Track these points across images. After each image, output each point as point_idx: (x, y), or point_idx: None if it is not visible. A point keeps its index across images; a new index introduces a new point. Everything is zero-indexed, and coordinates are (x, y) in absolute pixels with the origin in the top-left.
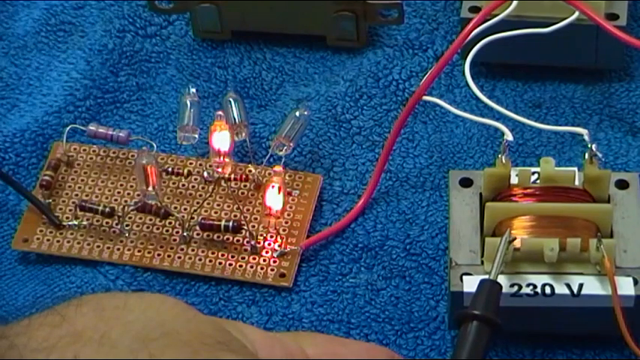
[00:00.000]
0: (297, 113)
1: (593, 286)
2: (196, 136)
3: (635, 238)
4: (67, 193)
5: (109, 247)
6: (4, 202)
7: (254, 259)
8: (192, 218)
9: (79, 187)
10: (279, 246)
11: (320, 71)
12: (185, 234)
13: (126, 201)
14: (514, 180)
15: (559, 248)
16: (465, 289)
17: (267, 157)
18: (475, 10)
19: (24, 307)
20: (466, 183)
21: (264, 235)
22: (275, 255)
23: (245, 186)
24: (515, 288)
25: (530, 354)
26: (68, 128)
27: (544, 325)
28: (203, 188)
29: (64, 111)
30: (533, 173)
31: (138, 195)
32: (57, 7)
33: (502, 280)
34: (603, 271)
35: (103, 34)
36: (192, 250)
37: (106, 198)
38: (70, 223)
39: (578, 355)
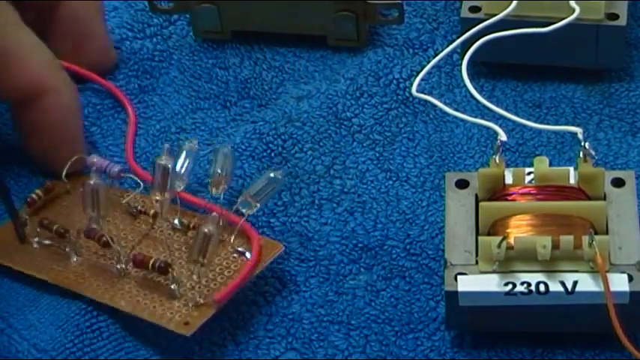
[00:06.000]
0: (272, 174)
1: (587, 284)
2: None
3: (631, 236)
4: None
5: (52, 268)
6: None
7: (169, 302)
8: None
9: (59, 210)
10: (199, 296)
11: (320, 69)
12: (119, 266)
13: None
14: (509, 180)
15: (553, 246)
16: (460, 289)
17: (233, 209)
18: (475, 10)
19: (24, 307)
20: (462, 184)
21: (189, 282)
22: (190, 304)
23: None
24: (510, 286)
25: (530, 354)
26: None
27: (539, 323)
28: (173, 229)
29: None
30: (529, 173)
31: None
32: None
33: (496, 278)
34: (596, 267)
35: None
36: (123, 285)
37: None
38: (33, 239)
39: (578, 355)
